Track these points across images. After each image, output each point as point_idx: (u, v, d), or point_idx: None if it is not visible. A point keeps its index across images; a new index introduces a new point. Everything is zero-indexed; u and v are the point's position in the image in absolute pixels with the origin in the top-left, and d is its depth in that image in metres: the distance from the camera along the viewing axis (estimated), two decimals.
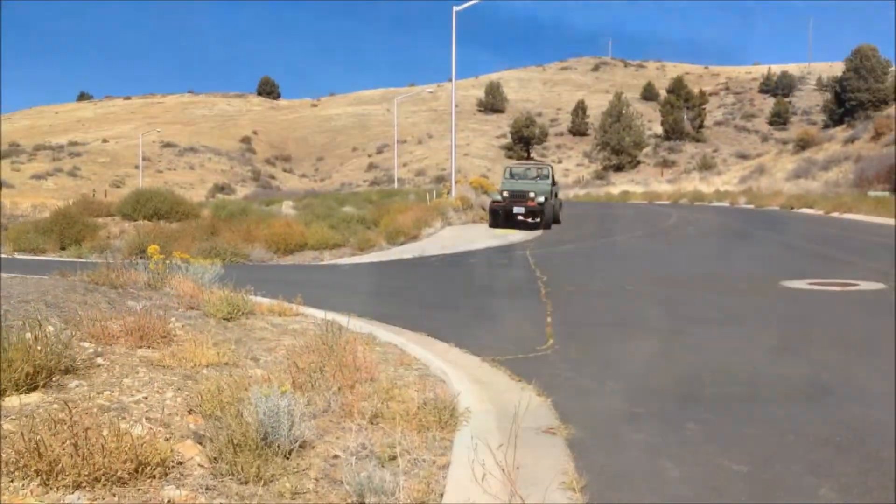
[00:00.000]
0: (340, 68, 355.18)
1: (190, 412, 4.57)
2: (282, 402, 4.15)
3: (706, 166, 71.11)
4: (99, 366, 5.29)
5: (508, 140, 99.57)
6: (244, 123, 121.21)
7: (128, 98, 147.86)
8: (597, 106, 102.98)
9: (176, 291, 8.01)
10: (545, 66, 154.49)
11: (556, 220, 26.17)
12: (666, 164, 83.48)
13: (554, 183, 27.13)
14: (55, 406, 4.26)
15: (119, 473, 3.39)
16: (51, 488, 3.26)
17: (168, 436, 4.08)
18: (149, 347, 5.95)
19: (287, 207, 33.09)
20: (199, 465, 3.81)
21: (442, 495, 3.56)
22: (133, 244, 18.98)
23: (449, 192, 30.86)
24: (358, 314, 8.21)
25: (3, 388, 4.47)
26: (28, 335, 4.89)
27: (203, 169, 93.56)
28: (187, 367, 5.48)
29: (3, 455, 3.42)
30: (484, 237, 23.04)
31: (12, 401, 4.38)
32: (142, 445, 3.59)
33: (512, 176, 26.89)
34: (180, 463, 3.78)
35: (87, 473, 3.32)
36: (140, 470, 3.49)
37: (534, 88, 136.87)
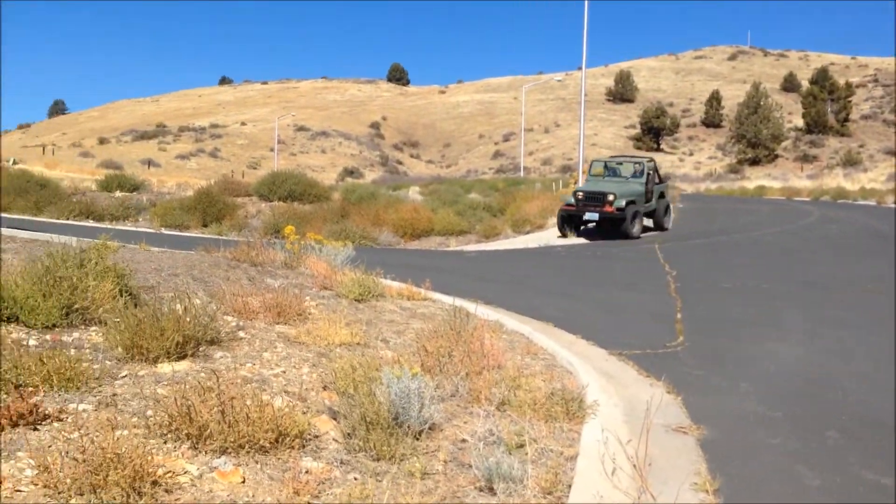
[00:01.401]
0: (469, 56, 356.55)
1: (325, 388, 4.74)
2: (412, 384, 4.24)
3: (851, 162, 67.27)
4: (241, 339, 5.55)
5: (637, 130, 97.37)
6: (374, 109, 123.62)
7: (265, 83, 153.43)
8: (732, 97, 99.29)
9: (310, 271, 8.30)
10: (678, 54, 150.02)
11: (661, 227, 21.63)
12: (806, 158, 79.53)
13: (660, 181, 22.52)
14: (202, 375, 4.51)
15: (261, 442, 3.56)
16: (200, 451, 3.46)
17: (305, 409, 4.25)
18: (286, 324, 6.20)
19: (414, 193, 33.59)
20: (333, 439, 3.96)
21: (570, 486, 3.56)
22: (268, 224, 19.77)
23: (576, 182, 30.52)
24: (484, 301, 8.26)
25: (156, 355, 4.78)
26: (178, 307, 5.20)
27: (334, 153, 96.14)
28: (321, 345, 5.68)
29: (158, 417, 3.65)
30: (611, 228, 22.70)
31: (164, 367, 4.67)
32: (282, 417, 3.75)
33: (598, 172, 22.35)
34: (316, 436, 3.93)
35: (232, 440, 3.50)
36: (280, 440, 3.65)
37: (665, 78, 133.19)
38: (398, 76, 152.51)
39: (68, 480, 2.89)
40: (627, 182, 20.95)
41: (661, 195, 22.03)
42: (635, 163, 22.05)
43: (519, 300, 9.35)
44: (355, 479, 3.50)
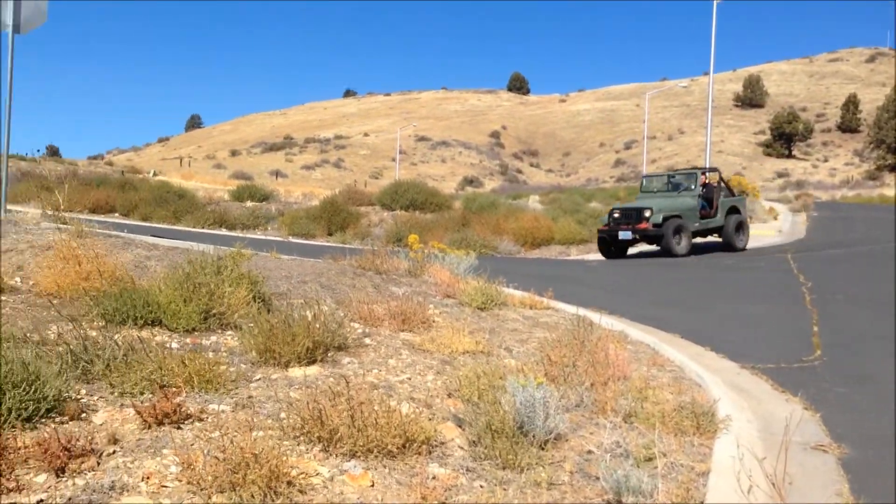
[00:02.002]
0: (590, 64, 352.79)
1: (449, 396, 4.77)
2: (537, 393, 4.21)
3: None
4: (367, 345, 5.67)
5: (767, 137, 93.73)
6: (494, 118, 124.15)
7: (388, 94, 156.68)
8: (871, 100, 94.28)
9: (433, 279, 8.39)
10: (812, 57, 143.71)
11: (731, 246, 18.96)
12: None
13: (731, 194, 20.40)
14: (331, 380, 4.62)
15: (389, 447, 3.61)
16: (331, 454, 3.55)
17: (430, 416, 4.29)
18: (410, 331, 6.29)
19: (534, 202, 33.52)
20: (459, 446, 3.98)
21: (702, 503, 3.45)
22: (391, 233, 20.13)
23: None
24: (607, 311, 8.13)
25: (288, 359, 4.94)
26: (308, 313, 5.36)
27: (454, 162, 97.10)
28: (445, 353, 5.73)
29: (291, 420, 3.77)
30: None
31: (296, 372, 4.82)
32: (408, 423, 3.80)
33: (649, 189, 20.40)
34: (442, 443, 3.96)
35: (361, 444, 3.57)
36: (407, 446, 3.70)
37: (798, 81, 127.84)
38: (518, 85, 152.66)
39: (210, 478, 3.02)
40: (676, 196, 19.15)
41: (733, 210, 19.55)
42: (688, 174, 20.15)
43: (642, 310, 9.15)
44: (481, 486, 3.51)
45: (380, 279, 8.13)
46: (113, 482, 3.03)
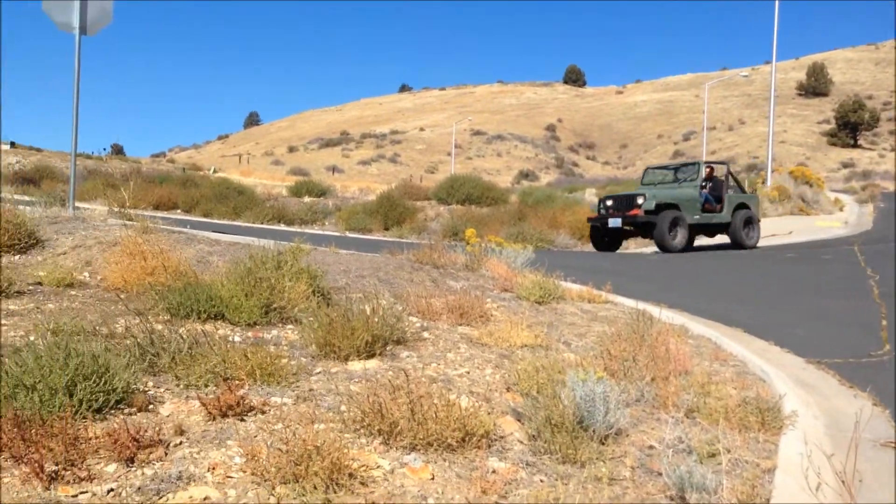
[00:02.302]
0: (648, 54, 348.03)
1: (508, 389, 4.76)
2: (597, 387, 4.17)
3: None
4: (425, 339, 5.69)
5: (832, 126, 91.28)
6: (549, 111, 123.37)
7: (443, 89, 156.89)
8: None
9: (491, 273, 8.38)
10: (878, 44, 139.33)
11: (739, 243, 17.90)
12: None
13: (741, 190, 19.37)
14: (391, 373, 4.65)
15: (449, 441, 3.62)
16: (391, 447, 3.57)
17: (489, 410, 4.28)
18: (468, 325, 6.30)
19: (590, 195, 33.23)
20: (518, 440, 3.96)
21: (768, 501, 3.38)
22: (447, 227, 20.17)
23: (764, 182, 29.05)
24: (667, 304, 8.01)
25: (347, 353, 4.99)
26: (367, 307, 5.40)
27: (509, 156, 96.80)
28: (503, 347, 5.72)
29: (351, 413, 3.81)
30: (803, 229, 21.44)
31: (355, 365, 4.86)
32: (468, 417, 3.80)
33: (651, 181, 19.20)
34: (501, 437, 3.95)
35: (421, 437, 3.58)
36: (466, 439, 3.70)
37: (864, 69, 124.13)
38: (574, 78, 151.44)
39: (273, 469, 3.07)
40: (676, 187, 18.03)
41: (741, 206, 18.33)
42: (691, 165, 19.12)
43: (704, 304, 9.00)
44: (541, 481, 3.49)
45: (437, 273, 8.15)
46: (180, 472, 3.09)
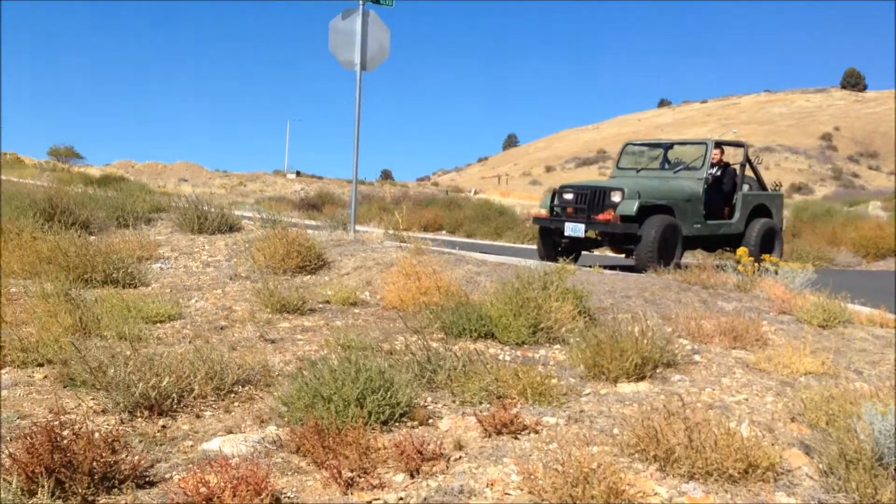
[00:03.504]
0: None
1: (792, 420, 4.44)
2: None
3: None
4: (697, 363, 5.47)
5: None
6: (824, 119, 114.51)
7: (704, 101, 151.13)
8: None
9: (766, 294, 7.90)
10: None
11: (759, 256, 9.79)
12: None
13: (762, 186, 13.38)
14: (662, 397, 4.53)
15: (730, 471, 3.44)
16: (667, 474, 3.46)
17: (773, 441, 4.02)
18: (742, 349, 5.97)
19: (875, 208, 30.41)
20: (807, 475, 3.68)
21: None
22: None
23: None
24: None
25: (616, 375, 4.92)
26: (634, 328, 5.30)
27: (779, 168, 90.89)
28: (784, 373, 5.35)
29: (625, 436, 3.75)
30: None
31: (625, 387, 4.79)
32: (750, 447, 3.59)
33: (630, 165, 12.93)
34: (788, 471, 3.69)
35: (700, 466, 3.44)
36: (749, 471, 3.50)
37: None
38: (853, 82, 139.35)
39: (550, 489, 3.09)
40: (670, 178, 11.99)
41: (759, 211, 12.58)
42: (693, 143, 13.12)
43: None
44: None
45: (706, 294, 7.82)
46: (461, 486, 3.21)
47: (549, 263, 7.38)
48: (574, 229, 10.94)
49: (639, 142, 14.17)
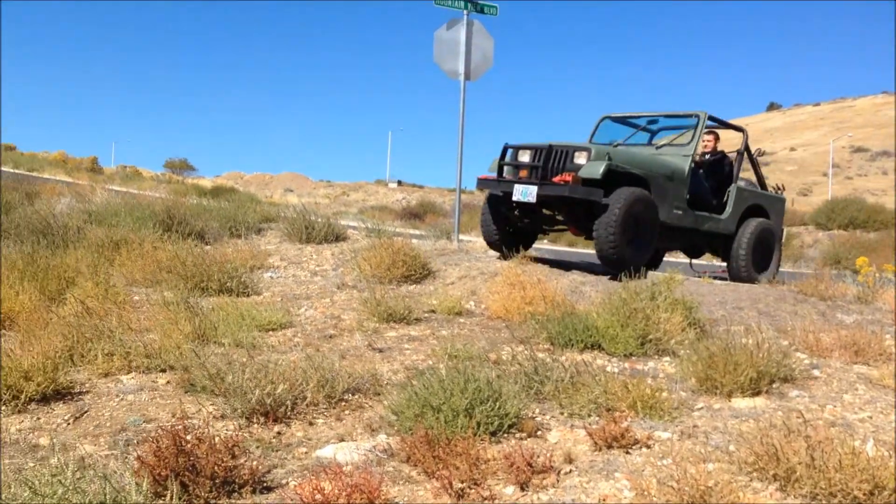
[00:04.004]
0: None
1: None
2: None
3: None
4: (816, 378, 5.25)
5: None
6: None
7: (816, 104, 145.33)
8: None
9: (889, 307, 7.52)
10: None
11: (736, 274, 10.10)
12: None
13: (760, 182, 11.54)
14: (779, 413, 4.36)
15: (854, 493, 3.28)
16: (788, 494, 3.33)
17: None
18: (865, 364, 5.69)
19: None
20: None
21: None
22: (828, 254, 18.57)
23: None
24: None
25: (730, 389, 4.78)
26: (748, 341, 5.13)
27: None
28: None
29: (742, 454, 3.62)
30: None
31: (739, 402, 4.64)
32: (877, 468, 3.42)
33: (601, 138, 10.45)
34: None
35: (822, 486, 3.30)
36: (875, 492, 3.33)
37: None
38: None
39: None
40: (652, 151, 9.94)
41: (755, 210, 10.64)
42: (683, 117, 10.20)
43: None
44: None
45: (824, 306, 7.50)
46: (573, 500, 3.18)
47: (657, 273, 7.20)
48: (524, 193, 8.61)
49: (617, 115, 10.92)
